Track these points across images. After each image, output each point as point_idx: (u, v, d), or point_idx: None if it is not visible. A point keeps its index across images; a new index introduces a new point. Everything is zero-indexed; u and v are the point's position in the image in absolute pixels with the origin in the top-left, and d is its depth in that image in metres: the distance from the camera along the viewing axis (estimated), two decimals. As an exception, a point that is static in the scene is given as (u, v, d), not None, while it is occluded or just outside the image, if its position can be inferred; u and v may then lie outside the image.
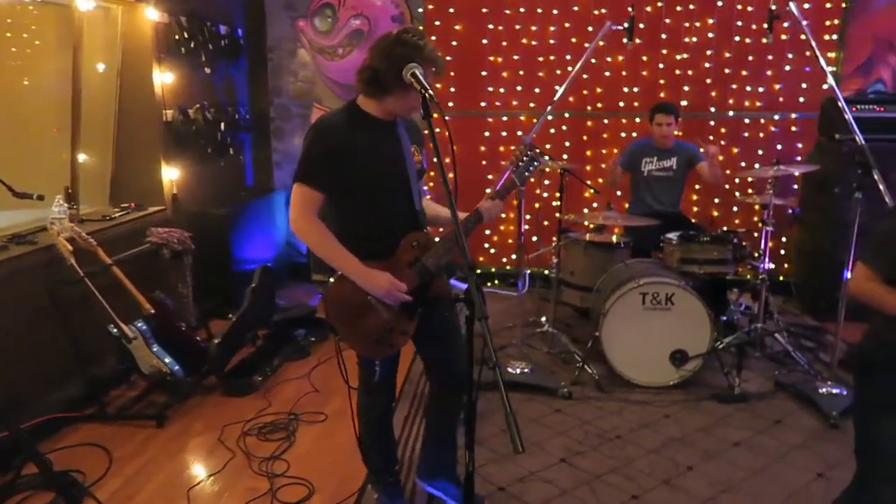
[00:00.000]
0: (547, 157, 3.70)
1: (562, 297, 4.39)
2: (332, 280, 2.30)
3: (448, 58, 5.35)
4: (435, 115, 1.93)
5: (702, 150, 4.44)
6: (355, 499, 2.73)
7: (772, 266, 3.95)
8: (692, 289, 3.63)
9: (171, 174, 4.39)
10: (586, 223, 4.48)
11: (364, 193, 2.24)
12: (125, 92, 4.22)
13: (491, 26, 5.32)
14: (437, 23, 5.35)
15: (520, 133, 5.41)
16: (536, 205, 5.04)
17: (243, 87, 5.52)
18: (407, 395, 3.65)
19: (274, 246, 5.48)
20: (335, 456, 3.07)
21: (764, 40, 5.12)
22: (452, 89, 5.42)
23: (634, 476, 2.88)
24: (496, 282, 5.64)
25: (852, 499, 2.12)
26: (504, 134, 5.50)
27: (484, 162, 5.50)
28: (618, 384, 3.69)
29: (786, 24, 5.10)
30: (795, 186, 5.30)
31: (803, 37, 4.71)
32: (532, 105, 5.41)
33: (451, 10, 5.32)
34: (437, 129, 2.03)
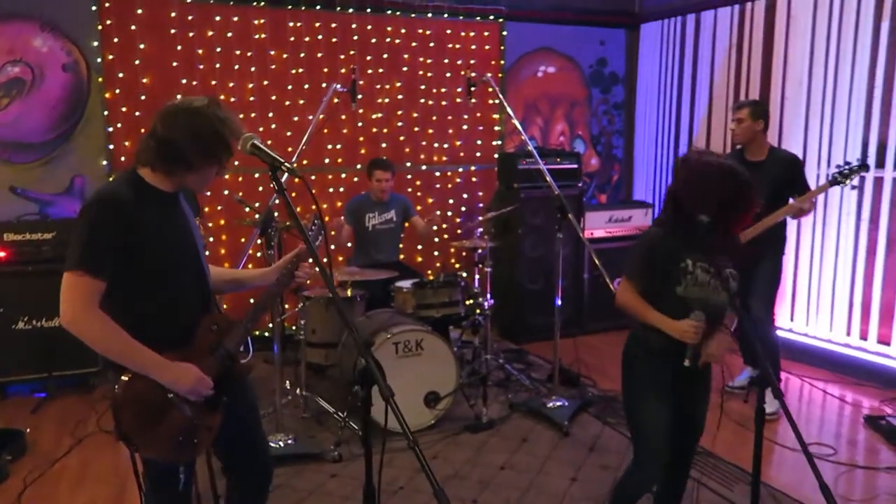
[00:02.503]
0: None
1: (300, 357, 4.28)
2: (120, 382, 1.91)
3: (137, 113, 4.89)
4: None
5: (428, 220, 4.84)
6: None
7: (493, 302, 4.43)
8: (436, 332, 3.88)
9: None
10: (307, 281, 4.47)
11: (155, 277, 1.95)
12: None
13: (184, 81, 5.00)
14: (121, 74, 4.83)
15: (227, 192, 5.16)
16: (250, 265, 4.84)
17: None
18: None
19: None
20: None
21: (444, 103, 5.83)
22: (145, 147, 4.92)
23: (430, 522, 2.96)
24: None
25: (629, 477, 2.52)
26: (208, 194, 5.17)
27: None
28: (380, 435, 3.72)
29: (459, 89, 5.85)
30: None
31: (473, 101, 5.44)
32: (237, 163, 5.19)
33: (137, 62, 4.86)
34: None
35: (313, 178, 5.48)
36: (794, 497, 3.13)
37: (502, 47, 5.97)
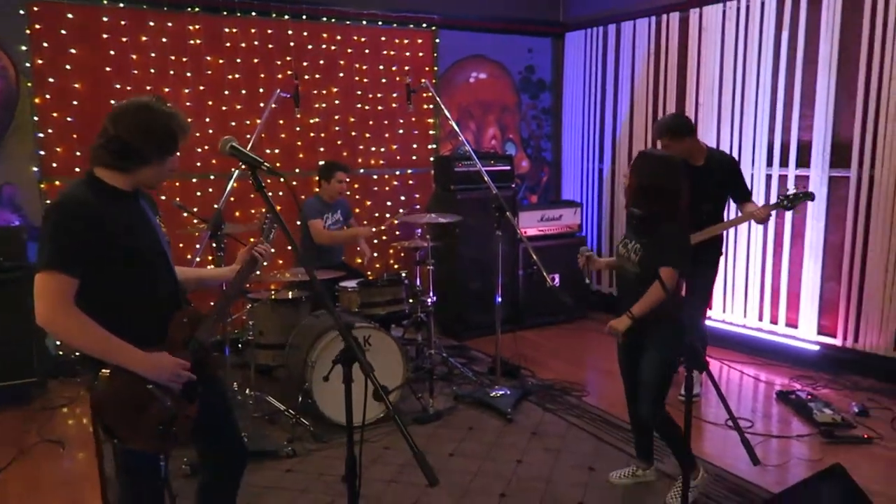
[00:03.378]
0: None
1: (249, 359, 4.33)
2: (100, 377, 1.97)
3: (69, 119, 4.80)
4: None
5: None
6: None
7: (435, 299, 4.58)
8: (383, 329, 4.02)
9: None
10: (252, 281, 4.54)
11: (125, 274, 2.03)
12: None
13: (118, 86, 4.94)
14: (51, 79, 4.73)
15: (164, 197, 5.12)
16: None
17: None
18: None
19: None
20: None
21: (380, 108, 5.97)
22: (78, 153, 4.84)
23: (387, 508, 3.10)
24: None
25: None
26: (145, 199, 5.12)
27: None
28: (332, 430, 3.82)
29: (395, 95, 6.00)
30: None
31: (410, 107, 5.58)
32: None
33: (68, 67, 4.77)
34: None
35: (252, 182, 5.50)
36: (718, 465, 3.43)
37: (435, 54, 6.17)
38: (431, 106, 6.20)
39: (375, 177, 6.04)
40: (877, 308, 4.55)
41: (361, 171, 5.95)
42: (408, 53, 6.04)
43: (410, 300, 4.60)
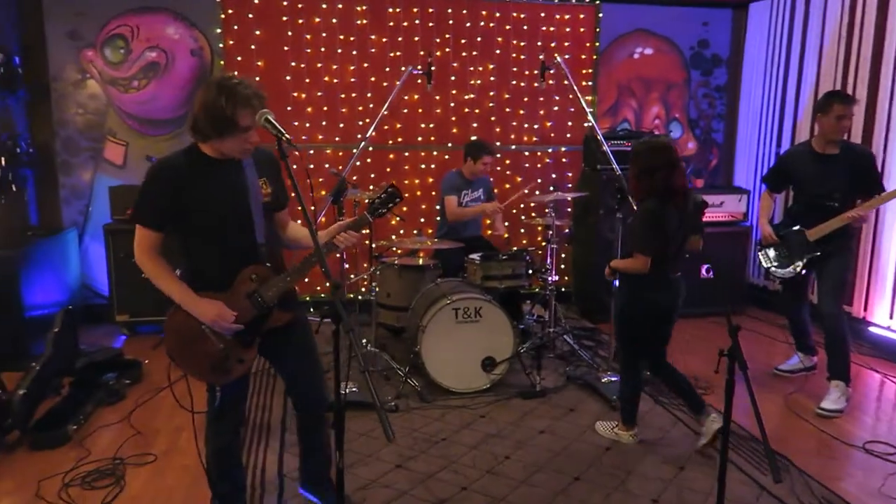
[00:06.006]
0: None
1: (379, 319, 4.68)
2: (170, 312, 2.39)
3: (252, 93, 5.46)
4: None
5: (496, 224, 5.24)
6: (202, 530, 2.74)
7: (556, 278, 4.59)
8: (496, 302, 4.12)
9: (-55, 215, 3.97)
10: (396, 249, 4.87)
11: (201, 230, 2.38)
12: None
13: (293, 63, 5.52)
14: (239, 58, 5.43)
15: (327, 165, 5.64)
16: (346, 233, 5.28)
17: (22, 118, 5.10)
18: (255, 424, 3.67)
19: (68, 288, 5.10)
20: (171, 493, 3.03)
21: (536, 85, 5.96)
22: (258, 123, 5.49)
23: (461, 470, 3.23)
24: (311, 310, 5.76)
25: None
26: (311, 166, 5.69)
27: (292, 194, 5.62)
28: (438, 393, 4.04)
29: (552, 71, 5.95)
30: (569, 209, 6.14)
31: (566, 82, 5.54)
32: (337, 139, 5.68)
33: (253, 47, 5.43)
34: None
35: (406, 154, 5.86)
36: (830, 487, 3.08)
37: (598, 29, 6.00)
38: (590, 83, 6.07)
39: (527, 153, 6.07)
40: None
41: (513, 147, 6.03)
42: (568, 29, 5.96)
43: (531, 276, 4.63)
